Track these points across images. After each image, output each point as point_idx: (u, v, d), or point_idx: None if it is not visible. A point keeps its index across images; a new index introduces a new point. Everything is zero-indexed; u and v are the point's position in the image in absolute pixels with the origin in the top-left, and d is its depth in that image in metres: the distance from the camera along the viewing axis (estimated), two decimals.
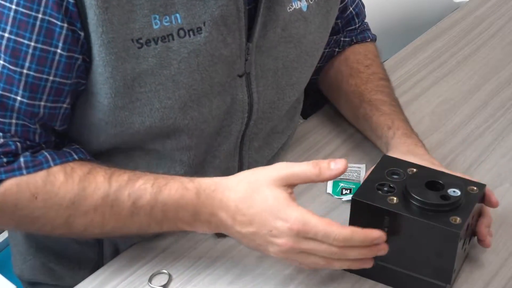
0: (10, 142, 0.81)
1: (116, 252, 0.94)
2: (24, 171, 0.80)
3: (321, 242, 0.75)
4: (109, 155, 0.91)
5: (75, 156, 0.84)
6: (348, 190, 0.96)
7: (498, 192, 0.90)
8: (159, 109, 0.84)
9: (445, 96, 1.19)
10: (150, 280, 0.84)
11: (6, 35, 0.77)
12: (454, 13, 1.51)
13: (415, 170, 0.83)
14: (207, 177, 0.82)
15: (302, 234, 0.75)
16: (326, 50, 1.10)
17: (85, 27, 0.78)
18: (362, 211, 0.79)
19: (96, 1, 0.76)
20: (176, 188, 0.80)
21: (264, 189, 0.77)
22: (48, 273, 1.02)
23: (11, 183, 0.81)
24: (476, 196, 0.80)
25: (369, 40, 1.15)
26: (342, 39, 1.12)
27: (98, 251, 0.97)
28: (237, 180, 0.80)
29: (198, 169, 0.92)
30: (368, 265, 0.79)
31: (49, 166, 0.81)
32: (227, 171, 0.93)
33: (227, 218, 0.79)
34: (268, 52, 0.91)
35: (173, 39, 0.82)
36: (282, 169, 0.78)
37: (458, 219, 0.76)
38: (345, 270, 0.84)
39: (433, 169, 0.84)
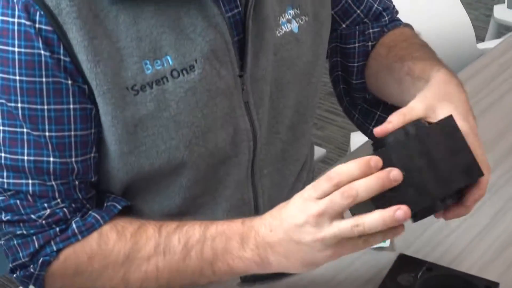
0: (57, 210, 0.84)
1: None
2: (79, 236, 0.84)
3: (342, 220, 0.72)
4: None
5: (119, 206, 0.87)
6: None
7: None
8: (165, 150, 0.86)
9: None
10: None
11: (19, 105, 0.80)
12: (478, 60, 1.53)
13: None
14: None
15: (324, 216, 0.72)
16: (357, 45, 1.09)
17: (85, 80, 0.81)
18: None
19: (87, 56, 0.79)
20: (223, 223, 0.82)
21: (292, 201, 0.76)
22: None
23: (68, 251, 0.84)
24: None
25: (401, 26, 1.13)
26: (370, 31, 1.10)
27: None
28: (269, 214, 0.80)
29: (209, 200, 0.94)
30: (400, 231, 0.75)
31: (100, 225, 0.84)
32: (242, 202, 0.95)
33: (266, 231, 0.77)
34: (263, 78, 0.92)
35: (167, 81, 0.83)
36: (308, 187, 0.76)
37: None
38: None
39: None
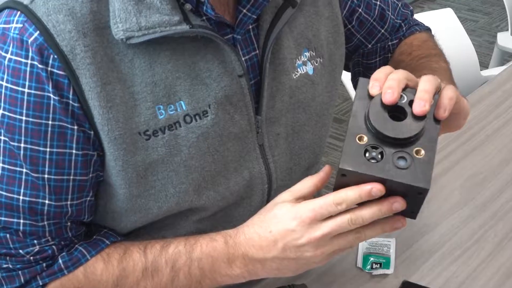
0: (46, 247, 0.83)
1: None
2: (65, 271, 0.83)
3: (334, 217, 0.73)
4: (129, 236, 0.92)
5: (107, 242, 0.86)
6: (378, 265, 0.96)
7: None
8: (174, 194, 0.85)
9: (474, 170, 1.19)
10: None
11: (22, 145, 0.78)
12: (482, 87, 1.53)
13: None
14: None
15: (314, 220, 0.74)
16: (379, 59, 1.11)
17: (93, 126, 0.79)
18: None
19: (99, 102, 0.77)
20: (207, 243, 0.82)
21: (272, 208, 0.78)
22: None
23: (55, 284, 0.84)
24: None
25: (417, 32, 1.13)
26: (390, 43, 1.11)
27: None
28: (251, 217, 0.82)
29: None
30: (400, 224, 0.75)
31: (87, 260, 0.84)
32: None
33: (256, 252, 0.78)
34: (278, 121, 0.91)
35: (180, 126, 0.82)
36: (285, 192, 0.79)
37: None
38: None
39: None
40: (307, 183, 0.78)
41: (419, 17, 1.72)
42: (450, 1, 4.01)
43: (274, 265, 0.78)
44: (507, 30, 2.23)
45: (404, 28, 1.13)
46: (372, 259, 0.97)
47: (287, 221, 0.75)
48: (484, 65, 2.42)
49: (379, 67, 1.07)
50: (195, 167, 0.85)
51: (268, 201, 0.92)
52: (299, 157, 0.96)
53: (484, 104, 1.43)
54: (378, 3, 1.09)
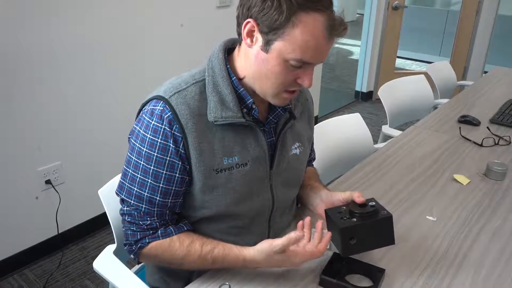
0: (154, 223, 1.18)
1: (198, 274, 1.31)
2: (161, 238, 1.20)
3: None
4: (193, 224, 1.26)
5: (185, 228, 1.21)
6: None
7: None
8: (225, 204, 1.19)
9: None
10: None
11: (152, 167, 1.12)
12: (373, 154, 1.94)
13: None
14: (247, 248, 1.18)
15: (273, 252, 1.13)
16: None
17: (189, 163, 1.11)
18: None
19: (195, 152, 1.10)
20: (235, 255, 1.18)
21: (270, 253, 1.15)
22: (163, 282, 1.41)
23: (154, 244, 1.20)
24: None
25: (312, 167, 1.54)
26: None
27: (190, 272, 1.33)
28: (254, 250, 1.18)
29: (245, 233, 1.30)
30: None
31: (173, 235, 1.20)
32: (262, 234, 1.34)
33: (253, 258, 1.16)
34: (280, 174, 1.26)
35: (233, 169, 1.16)
36: (275, 243, 1.15)
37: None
38: None
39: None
40: (285, 241, 1.13)
41: (342, 119, 2.11)
42: (358, 108, 4.90)
43: (261, 264, 1.17)
44: (387, 123, 2.59)
45: (312, 162, 1.53)
46: None
47: (268, 252, 1.14)
48: (375, 141, 2.51)
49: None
50: (238, 191, 1.19)
51: (271, 215, 1.31)
52: (288, 193, 1.34)
53: (373, 163, 1.83)
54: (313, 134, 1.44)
